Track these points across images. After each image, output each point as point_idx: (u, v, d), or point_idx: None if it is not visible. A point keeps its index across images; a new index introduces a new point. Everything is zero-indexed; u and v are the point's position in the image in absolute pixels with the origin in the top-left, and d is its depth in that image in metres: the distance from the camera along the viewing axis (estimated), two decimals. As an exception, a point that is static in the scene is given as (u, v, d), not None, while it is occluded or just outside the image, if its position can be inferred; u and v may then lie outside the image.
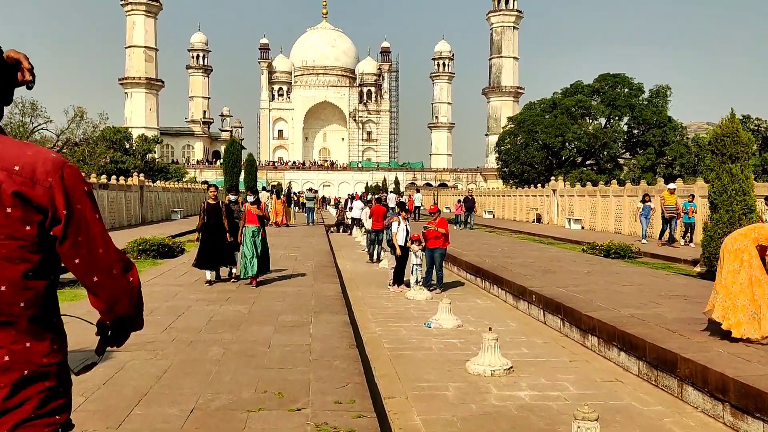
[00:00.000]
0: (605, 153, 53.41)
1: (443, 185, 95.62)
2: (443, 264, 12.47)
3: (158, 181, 37.28)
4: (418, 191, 37.22)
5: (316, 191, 35.45)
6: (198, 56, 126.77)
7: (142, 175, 32.39)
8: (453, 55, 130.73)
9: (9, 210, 1.50)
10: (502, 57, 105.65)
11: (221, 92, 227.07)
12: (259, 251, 11.09)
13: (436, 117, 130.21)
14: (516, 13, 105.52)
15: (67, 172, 1.57)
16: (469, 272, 14.52)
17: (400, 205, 13.54)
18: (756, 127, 65.09)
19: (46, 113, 50.48)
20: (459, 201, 29.03)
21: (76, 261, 1.60)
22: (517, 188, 41.40)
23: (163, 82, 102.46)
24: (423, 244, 12.74)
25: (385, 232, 13.41)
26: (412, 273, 12.77)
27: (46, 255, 1.58)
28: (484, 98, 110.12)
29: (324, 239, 22.40)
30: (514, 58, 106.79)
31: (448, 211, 56.59)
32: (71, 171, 1.58)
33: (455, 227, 27.55)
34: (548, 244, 21.94)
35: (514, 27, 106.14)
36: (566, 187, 31.99)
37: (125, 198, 29.13)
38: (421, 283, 12.66)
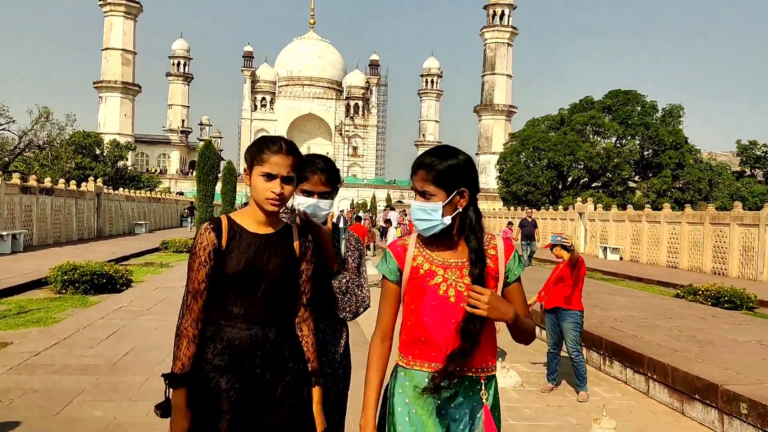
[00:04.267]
0: (616, 175, 49.21)
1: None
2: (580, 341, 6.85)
3: (120, 189, 32.25)
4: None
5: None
6: (179, 63, 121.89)
7: (99, 180, 27.38)
8: (441, 72, 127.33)
9: None
10: (495, 74, 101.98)
11: (202, 101, 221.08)
12: None
13: (423, 135, 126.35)
14: (510, 29, 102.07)
15: None
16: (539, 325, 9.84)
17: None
18: (763, 154, 61.85)
19: (9, 113, 45.72)
20: (509, 225, 21.77)
21: None
22: (532, 209, 36.89)
23: (140, 87, 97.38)
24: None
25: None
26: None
27: None
28: (472, 117, 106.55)
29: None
30: (508, 75, 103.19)
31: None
32: None
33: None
34: (602, 279, 17.39)
35: (508, 44, 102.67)
36: (598, 211, 27.54)
37: (77, 207, 24.13)
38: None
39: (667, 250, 22.01)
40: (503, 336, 8.33)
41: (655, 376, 6.96)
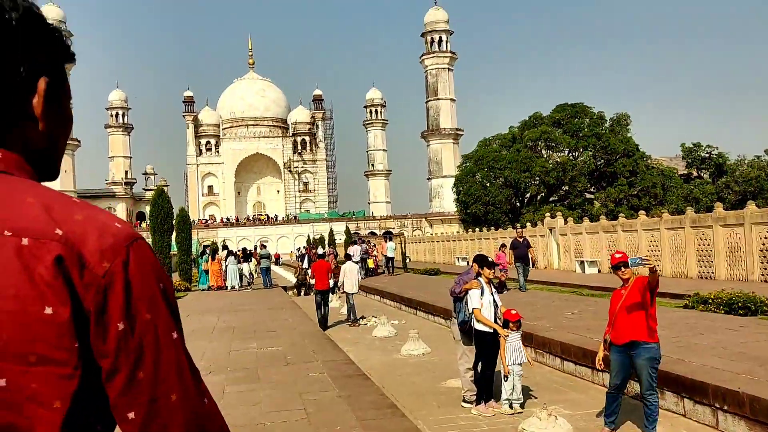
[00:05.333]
0: (572, 187, 49.33)
1: (388, 233, 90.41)
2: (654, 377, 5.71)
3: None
4: (390, 239, 31.46)
5: (246, 248, 29.16)
6: (117, 114, 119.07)
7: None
8: (385, 102, 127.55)
9: (48, 310, 0.80)
10: (439, 99, 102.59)
11: (144, 150, 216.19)
12: None
13: (372, 165, 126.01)
14: (450, 54, 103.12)
15: (136, 255, 0.86)
16: (571, 361, 8.95)
17: (481, 260, 7.71)
18: (707, 155, 63.15)
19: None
20: (502, 247, 19.49)
21: (131, 416, 0.84)
22: (497, 229, 36.33)
23: (79, 141, 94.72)
24: (520, 327, 7.27)
25: (460, 308, 7.72)
26: (505, 380, 7.20)
27: (90, 392, 0.83)
28: (420, 142, 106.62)
29: (297, 311, 16.46)
30: (451, 99, 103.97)
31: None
32: (141, 254, 0.87)
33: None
34: (592, 296, 16.64)
35: (448, 68, 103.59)
36: (569, 224, 27.06)
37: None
38: (519, 401, 7.14)
39: (647, 259, 21.48)
40: (534, 374, 7.07)
41: (726, 407, 6.07)
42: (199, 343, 10.90)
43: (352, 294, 15.92)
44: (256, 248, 29.70)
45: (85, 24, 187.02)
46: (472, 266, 7.69)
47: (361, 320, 16.21)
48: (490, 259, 7.55)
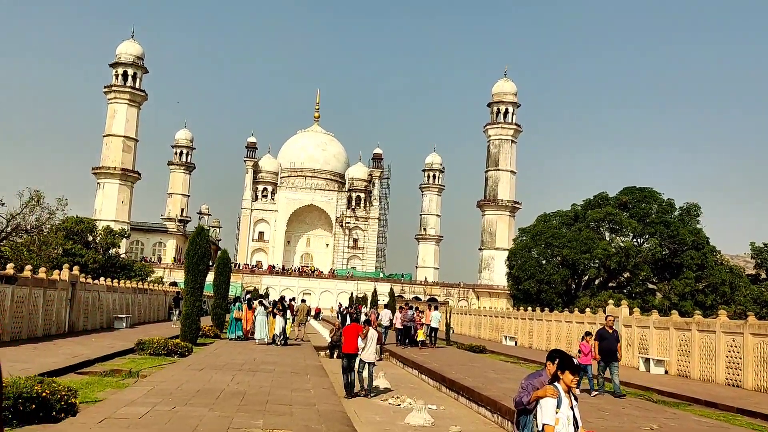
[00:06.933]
0: (635, 275, 46.38)
1: (433, 300, 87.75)
2: None
3: (102, 278, 29.30)
4: (436, 308, 29.15)
5: (283, 298, 26.95)
6: (181, 153, 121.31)
7: (76, 268, 24.47)
8: (443, 168, 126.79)
9: None
10: (499, 170, 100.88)
11: (202, 189, 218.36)
12: None
13: (424, 229, 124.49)
14: (515, 126, 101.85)
15: None
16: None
17: (564, 360, 5.61)
18: (781, 257, 59.19)
19: (-2, 195, 43.49)
20: (586, 335, 15.31)
21: None
22: (552, 311, 33.72)
23: (140, 175, 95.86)
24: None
25: (525, 422, 5.78)
26: None
27: None
28: (473, 211, 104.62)
29: (323, 379, 14.51)
30: (512, 171, 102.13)
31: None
32: None
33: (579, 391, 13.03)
34: (664, 403, 14.22)
35: (512, 140, 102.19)
36: (635, 316, 24.57)
37: (45, 298, 21.14)
38: None
39: (725, 366, 18.90)
40: None
41: None
42: (197, 411, 9.09)
43: (370, 363, 14.56)
44: (290, 299, 27.88)
45: (163, 62, 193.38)
46: (546, 366, 5.76)
47: (394, 397, 14.29)
48: (575, 360, 5.56)
